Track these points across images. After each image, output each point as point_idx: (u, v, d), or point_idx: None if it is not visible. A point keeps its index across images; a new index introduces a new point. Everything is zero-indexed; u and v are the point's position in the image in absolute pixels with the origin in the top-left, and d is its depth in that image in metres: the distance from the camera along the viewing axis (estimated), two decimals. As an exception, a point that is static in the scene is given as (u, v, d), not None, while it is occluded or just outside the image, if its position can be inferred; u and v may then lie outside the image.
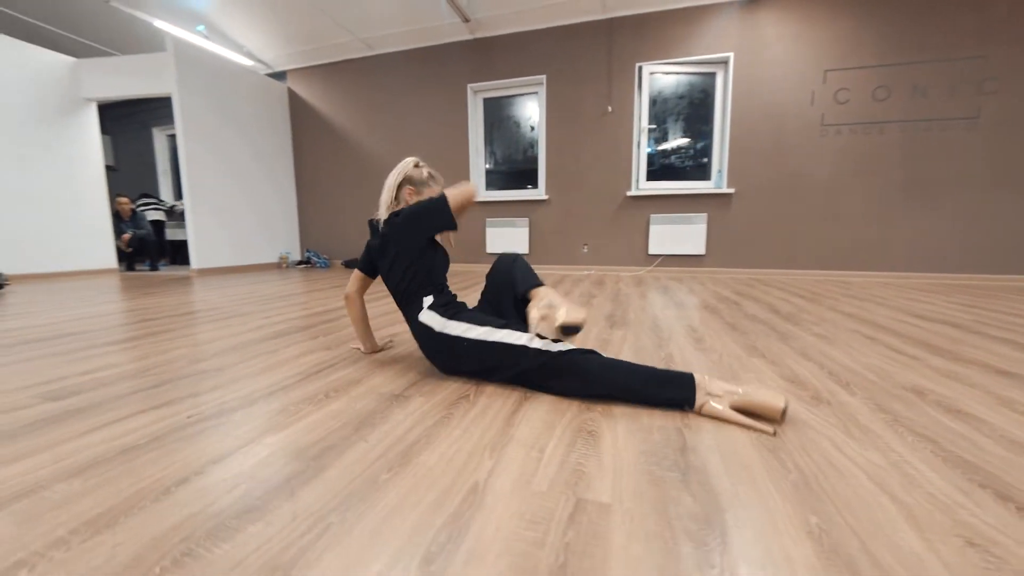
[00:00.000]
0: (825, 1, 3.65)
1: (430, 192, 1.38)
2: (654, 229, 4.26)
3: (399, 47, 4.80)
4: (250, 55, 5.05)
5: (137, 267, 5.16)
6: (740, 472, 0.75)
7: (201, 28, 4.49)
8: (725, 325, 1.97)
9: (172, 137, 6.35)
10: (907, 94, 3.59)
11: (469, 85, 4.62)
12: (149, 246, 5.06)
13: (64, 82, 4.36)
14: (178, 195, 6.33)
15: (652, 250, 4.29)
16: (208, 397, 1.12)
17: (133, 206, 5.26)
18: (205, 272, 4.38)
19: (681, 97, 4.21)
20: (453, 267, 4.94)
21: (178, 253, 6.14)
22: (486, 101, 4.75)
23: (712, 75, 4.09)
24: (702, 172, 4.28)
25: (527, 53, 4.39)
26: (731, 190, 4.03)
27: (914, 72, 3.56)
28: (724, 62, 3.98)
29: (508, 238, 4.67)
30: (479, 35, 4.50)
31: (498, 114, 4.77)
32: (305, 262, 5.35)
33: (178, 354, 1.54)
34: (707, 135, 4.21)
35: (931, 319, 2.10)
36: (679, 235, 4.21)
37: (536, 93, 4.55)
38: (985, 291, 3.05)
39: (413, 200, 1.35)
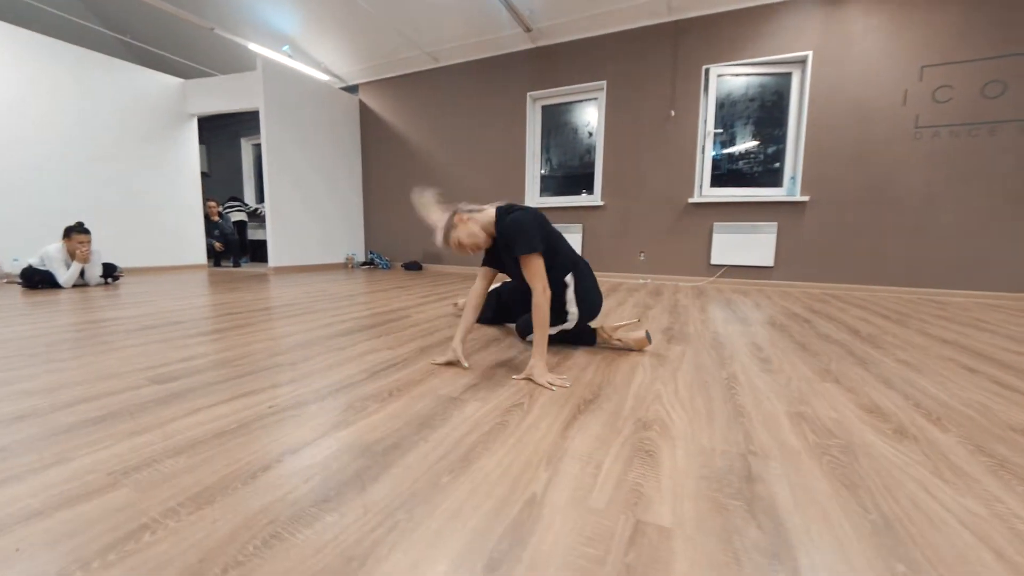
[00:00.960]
0: (924, -10, 3.30)
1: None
2: (717, 238, 4.06)
3: (463, 59, 4.96)
4: (327, 70, 5.46)
5: (223, 263, 5.73)
6: (811, 507, 0.71)
7: (286, 48, 4.93)
8: (795, 344, 1.85)
9: (257, 146, 7.00)
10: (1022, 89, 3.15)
11: (529, 93, 4.68)
12: (232, 245, 5.61)
13: (173, 100, 4.97)
14: (260, 198, 6.96)
15: (715, 260, 4.09)
16: (285, 389, 1.23)
17: (220, 208, 5.85)
18: (280, 270, 4.79)
19: (752, 99, 3.99)
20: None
21: (258, 251, 6.75)
22: (544, 108, 4.79)
23: (787, 75, 3.83)
24: (773, 178, 4.02)
25: (588, 59, 4.37)
26: (805, 198, 3.75)
27: (1036, 64, 3.11)
28: (801, 61, 3.72)
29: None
30: (540, 44, 4.55)
31: (556, 120, 4.78)
32: (368, 263, 5.68)
33: (259, 347, 1.69)
34: (780, 139, 3.94)
35: (1052, 350, 1.83)
36: (745, 244, 3.98)
37: (596, 99, 4.51)
38: (1126, 319, 2.58)
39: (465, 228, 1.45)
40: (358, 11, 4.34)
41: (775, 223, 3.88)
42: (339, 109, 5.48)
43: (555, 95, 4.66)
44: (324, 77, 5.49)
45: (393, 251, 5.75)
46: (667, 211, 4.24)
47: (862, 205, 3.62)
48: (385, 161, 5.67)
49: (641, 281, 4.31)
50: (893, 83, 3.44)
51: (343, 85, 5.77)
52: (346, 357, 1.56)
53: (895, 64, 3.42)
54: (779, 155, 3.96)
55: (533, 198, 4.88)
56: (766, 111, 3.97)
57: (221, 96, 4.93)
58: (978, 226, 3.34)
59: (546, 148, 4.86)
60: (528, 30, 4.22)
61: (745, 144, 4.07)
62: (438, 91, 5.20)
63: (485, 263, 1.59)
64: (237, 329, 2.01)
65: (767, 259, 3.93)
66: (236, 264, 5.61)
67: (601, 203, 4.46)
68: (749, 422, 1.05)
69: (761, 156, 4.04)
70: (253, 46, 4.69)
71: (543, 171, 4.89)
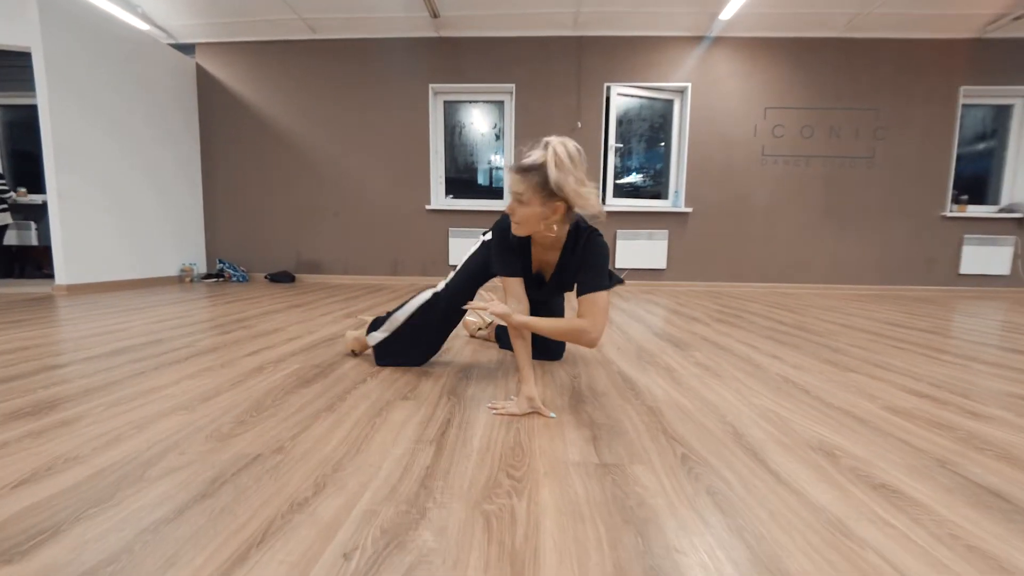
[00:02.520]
0: (767, 46, 4.14)
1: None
2: (620, 244, 4.33)
3: (349, 35, 4.26)
4: (146, 18, 4.05)
5: (-51, 281, 3.69)
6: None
7: (78, -29, 3.46)
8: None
9: (13, 108, 4.81)
10: (826, 134, 4.21)
11: (431, 85, 4.28)
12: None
13: None
14: (17, 182, 4.76)
15: (619, 264, 4.35)
16: None
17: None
18: (77, 289, 3.28)
19: (644, 119, 4.41)
20: (414, 280, 4.45)
21: (21, 261, 4.62)
22: (447, 104, 4.45)
23: (671, 102, 4.35)
24: (661, 192, 4.50)
25: (496, 59, 4.22)
26: (689, 209, 4.29)
27: (830, 116, 4.20)
28: (682, 91, 4.27)
29: (470, 248, 4.35)
30: (444, 34, 4.21)
31: (459, 118, 4.49)
32: (217, 275, 4.37)
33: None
34: (665, 158, 4.45)
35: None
36: (644, 250, 4.34)
37: (503, 101, 4.38)
38: (891, 299, 3.63)
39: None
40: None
41: (666, 231, 4.34)
42: (166, 72, 4.12)
43: (460, 91, 4.38)
44: (143, 26, 4.06)
45: (250, 259, 4.57)
46: (576, 218, 4.35)
47: (728, 216, 4.32)
48: (236, 144, 4.48)
49: (556, 286, 4.31)
50: (746, 118, 4.22)
51: (172, 41, 4.38)
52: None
53: (748, 103, 4.20)
54: (665, 171, 4.46)
55: (438, 199, 4.47)
56: (654, 132, 4.44)
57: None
58: (804, 235, 4.31)
59: (450, 147, 4.52)
60: (435, 16, 3.85)
61: (639, 160, 4.48)
62: (315, 68, 4.36)
63: (515, 273, 1.17)
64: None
65: (661, 263, 4.36)
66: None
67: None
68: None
69: (652, 171, 4.50)
70: (17, -45, 3.14)
71: (447, 172, 4.53)
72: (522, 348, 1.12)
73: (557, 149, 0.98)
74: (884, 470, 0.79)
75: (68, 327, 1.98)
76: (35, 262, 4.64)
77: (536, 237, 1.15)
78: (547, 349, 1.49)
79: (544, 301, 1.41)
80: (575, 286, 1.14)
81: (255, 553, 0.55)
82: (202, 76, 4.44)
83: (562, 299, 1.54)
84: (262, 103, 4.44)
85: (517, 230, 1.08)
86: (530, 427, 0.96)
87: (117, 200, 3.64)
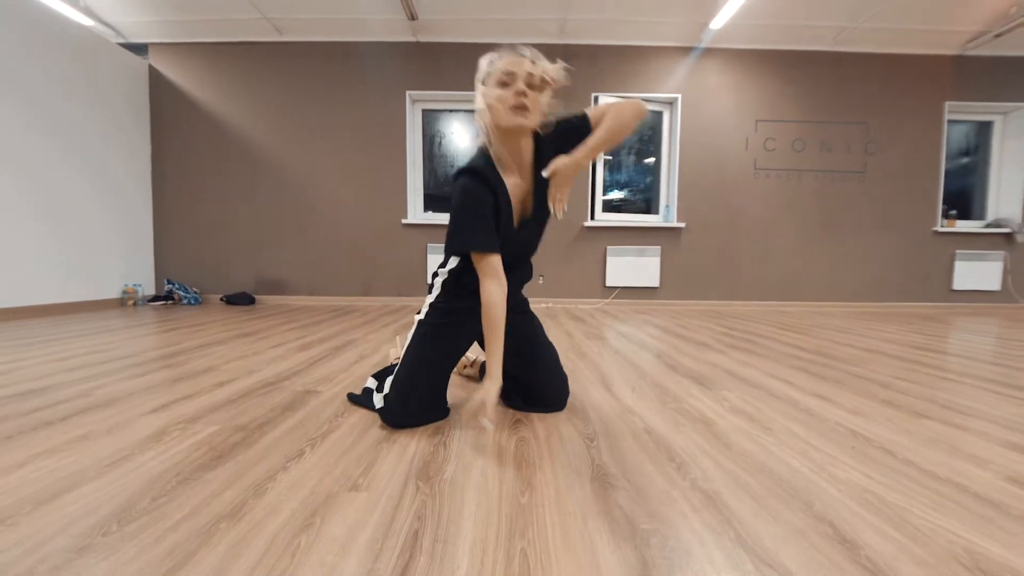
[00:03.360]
0: (757, 58, 4.04)
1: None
2: (611, 260, 4.09)
3: (320, 37, 3.97)
4: (91, 13, 3.66)
5: None
6: None
7: (7, -43, 3.07)
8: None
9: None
10: (817, 148, 4.11)
11: (408, 92, 4.00)
12: None
13: None
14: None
15: (610, 282, 4.10)
16: None
17: None
18: (-12, 314, 2.79)
19: (633, 132, 4.22)
20: (388, 301, 4.08)
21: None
22: (426, 112, 4.17)
23: (660, 114, 4.19)
24: (652, 206, 4.30)
25: (477, 66, 3.97)
26: (681, 224, 4.09)
27: (822, 130, 4.10)
28: (672, 103, 4.11)
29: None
30: (423, 38, 3.96)
31: (439, 128, 4.21)
32: (165, 297, 3.89)
33: None
34: (655, 171, 4.26)
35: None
36: (635, 267, 4.10)
37: (486, 110, 4.13)
38: (891, 317, 3.46)
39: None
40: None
41: (659, 247, 4.12)
42: (115, 75, 3.72)
43: (439, 99, 4.11)
44: (86, 22, 3.67)
45: (204, 280, 4.11)
46: (564, 234, 4.11)
47: (722, 232, 4.14)
48: (193, 156, 4.08)
49: (544, 306, 4.01)
50: (738, 131, 4.08)
51: (121, 41, 3.99)
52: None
53: (739, 115, 4.07)
54: (656, 185, 4.27)
55: (416, 212, 4.15)
56: (644, 144, 4.26)
57: None
58: (798, 250, 4.16)
59: (429, 158, 4.23)
60: (413, 18, 3.60)
61: (629, 174, 4.28)
62: (282, 73, 4.03)
63: (495, 248, 0.98)
64: None
65: (654, 280, 4.13)
66: None
67: (498, 222, 4.05)
68: None
69: (642, 185, 4.30)
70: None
71: (427, 183, 4.22)
72: (494, 341, 0.95)
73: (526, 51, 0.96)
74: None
75: (-65, 369, 1.55)
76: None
77: (517, 151, 1.00)
78: (544, 398, 1.16)
79: (522, 254, 1.13)
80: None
81: None
82: (155, 79, 4.05)
83: (530, 265, 1.23)
84: (222, 109, 4.07)
85: (527, 119, 0.94)
86: (543, 540, 0.63)
87: (51, 210, 3.19)
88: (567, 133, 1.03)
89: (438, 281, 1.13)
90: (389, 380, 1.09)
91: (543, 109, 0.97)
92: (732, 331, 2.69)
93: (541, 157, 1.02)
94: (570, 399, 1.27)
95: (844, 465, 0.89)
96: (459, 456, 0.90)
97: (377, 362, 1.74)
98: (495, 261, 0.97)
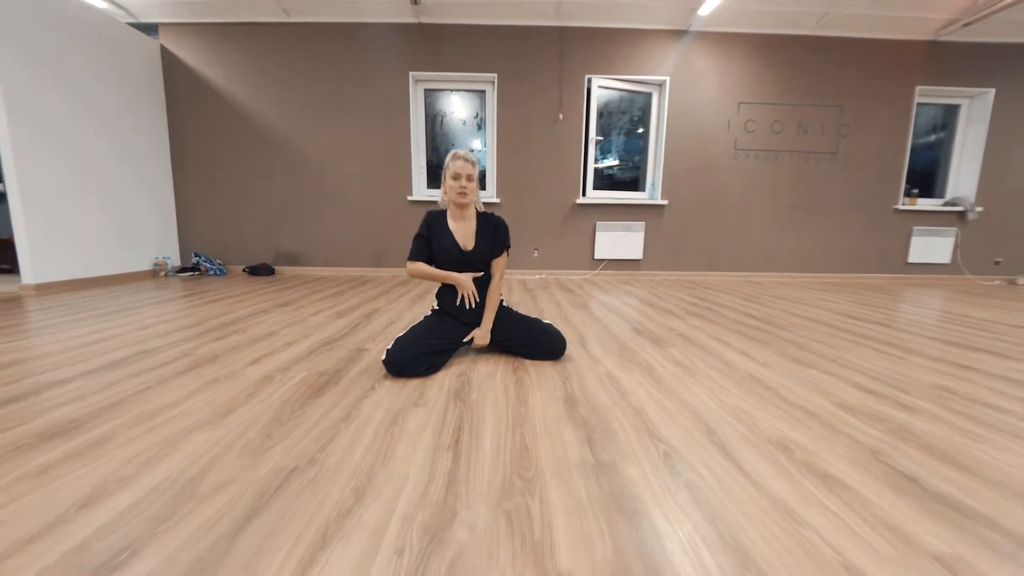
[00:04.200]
0: (742, 42, 4.26)
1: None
2: (600, 236, 4.47)
3: (325, 18, 4.13)
4: (103, -6, 3.80)
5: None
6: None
7: (26, -56, 3.20)
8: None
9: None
10: (794, 130, 4.42)
11: (411, 73, 4.22)
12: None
13: None
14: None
15: (598, 255, 4.51)
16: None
17: None
18: (47, 288, 3.17)
19: (623, 112, 4.50)
20: (397, 272, 4.48)
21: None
22: (428, 92, 4.40)
23: (649, 95, 4.45)
24: (638, 184, 4.64)
25: (477, 48, 4.19)
26: (665, 202, 4.45)
27: (799, 112, 4.40)
28: (661, 84, 4.36)
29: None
30: (424, 20, 4.13)
31: (441, 108, 4.46)
32: (193, 268, 4.27)
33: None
34: (643, 150, 4.57)
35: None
36: (621, 241, 4.50)
37: (485, 91, 4.38)
38: (847, 287, 3.93)
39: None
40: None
41: (643, 223, 4.50)
42: (131, 55, 3.90)
43: (441, 80, 4.34)
44: (101, 4, 3.81)
45: (226, 251, 4.48)
46: (557, 211, 4.46)
47: (703, 209, 4.52)
48: (207, 131, 4.33)
49: (537, 277, 4.44)
50: (721, 113, 4.37)
51: (132, 21, 4.13)
52: (363, 418, 1.12)
53: (723, 98, 4.35)
54: (643, 163, 4.59)
55: (420, 189, 4.47)
56: (633, 125, 4.54)
57: None
58: (772, 227, 4.56)
59: (431, 136, 4.50)
60: (416, 2, 3.77)
61: (618, 153, 4.59)
62: (290, 52, 4.22)
63: (414, 259, 1.66)
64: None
65: (638, 253, 4.54)
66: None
67: (497, 200, 4.39)
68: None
69: (630, 164, 4.62)
70: (-43, -75, 2.89)
71: (430, 161, 4.52)
72: (433, 274, 1.66)
73: (471, 156, 1.61)
74: (829, 462, 0.96)
75: (51, 336, 1.97)
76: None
77: (462, 213, 1.66)
78: (552, 351, 1.65)
79: (472, 268, 1.68)
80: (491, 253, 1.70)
81: (321, 556, 0.66)
82: (167, 59, 4.23)
83: (488, 276, 1.74)
84: (234, 88, 4.28)
85: (467, 199, 1.60)
86: (532, 431, 1.08)
87: (92, 188, 3.51)
88: (493, 228, 1.69)
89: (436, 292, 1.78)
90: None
91: (475, 188, 1.62)
92: (699, 301, 3.14)
93: (481, 221, 1.69)
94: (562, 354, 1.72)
95: (734, 396, 1.34)
96: (478, 387, 1.36)
97: (405, 326, 2.17)
98: (413, 266, 1.65)
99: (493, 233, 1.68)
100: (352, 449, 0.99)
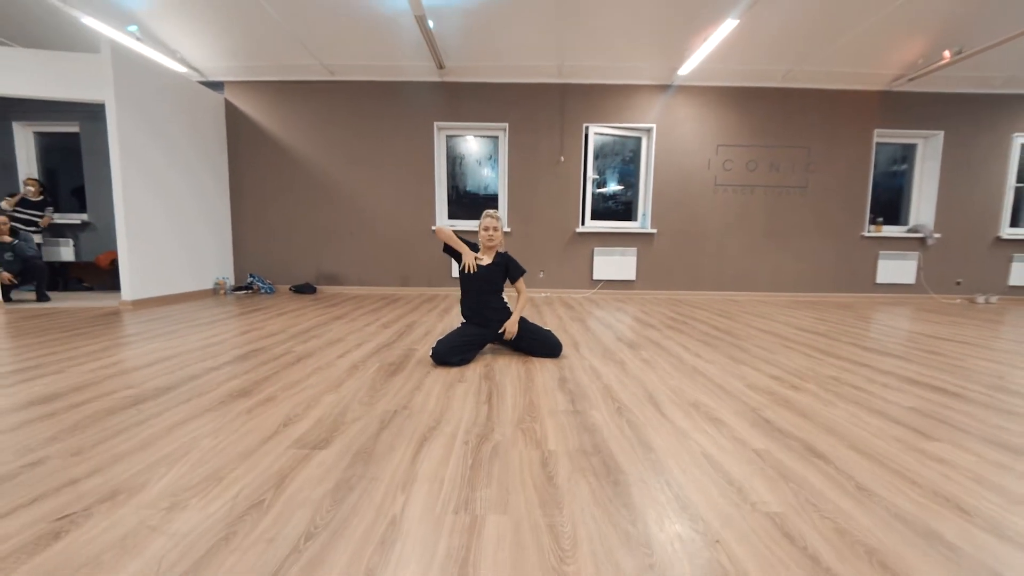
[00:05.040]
0: (718, 94, 4.96)
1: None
2: (597, 259, 5.11)
3: (365, 77, 4.91)
4: (183, 61, 4.62)
5: (13, 296, 4.21)
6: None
7: (134, 28, 4.03)
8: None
9: (43, 135, 5.29)
10: (767, 168, 5.07)
11: (436, 123, 4.96)
12: (36, 271, 4.19)
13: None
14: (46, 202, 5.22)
15: (596, 276, 5.13)
16: (432, 419, 1.42)
17: (11, 215, 4.30)
18: (142, 304, 3.87)
19: (616, 154, 5.19)
20: (422, 291, 5.14)
21: (63, 276, 5.14)
22: (449, 138, 5.14)
23: (639, 139, 5.14)
24: (630, 215, 5.29)
25: (492, 102, 4.93)
26: (654, 230, 5.09)
27: (771, 153, 5.05)
28: (648, 130, 5.06)
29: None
30: (447, 79, 4.90)
31: (460, 150, 5.18)
32: (246, 287, 4.97)
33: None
34: (635, 186, 5.24)
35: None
36: (616, 264, 5.12)
37: (498, 136, 5.10)
38: (817, 305, 4.49)
39: None
40: (241, 5, 3.88)
41: (635, 248, 5.13)
42: (202, 107, 4.69)
43: (461, 128, 5.07)
44: (181, 68, 4.63)
45: (272, 272, 5.18)
46: (560, 237, 5.12)
47: (687, 236, 5.14)
48: (261, 170, 5.09)
49: (543, 295, 5.06)
50: (701, 154, 5.04)
51: (203, 80, 4.94)
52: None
53: (702, 141, 5.02)
54: (635, 198, 5.25)
55: (442, 219, 5.16)
56: (625, 164, 5.23)
57: (43, 77, 3.72)
58: (749, 251, 5.17)
59: (452, 175, 5.22)
60: (441, 67, 4.54)
61: (613, 188, 5.26)
62: (333, 105, 5.00)
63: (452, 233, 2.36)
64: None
65: (631, 275, 5.16)
66: (42, 297, 4.18)
67: (508, 229, 5.06)
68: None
69: (623, 197, 5.28)
70: (89, 20, 3.70)
71: (450, 195, 5.22)
72: (451, 239, 2.36)
73: (497, 215, 2.35)
74: (722, 413, 1.55)
75: (178, 340, 2.62)
76: (74, 277, 5.17)
77: (488, 253, 2.38)
78: (552, 352, 2.25)
79: (494, 292, 2.35)
80: (508, 280, 2.41)
81: (423, 449, 1.27)
82: (230, 110, 5.03)
83: (502, 299, 2.40)
84: (284, 134, 5.05)
85: (493, 244, 2.35)
86: (536, 395, 1.69)
87: (172, 219, 4.24)
88: (508, 264, 2.38)
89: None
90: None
91: (500, 238, 2.35)
92: (679, 316, 3.74)
93: (497, 257, 2.37)
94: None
95: (675, 379, 1.94)
96: (500, 371, 1.97)
97: (440, 332, 2.80)
98: (444, 228, 2.35)
99: (505, 264, 2.37)
100: (427, 401, 1.60)
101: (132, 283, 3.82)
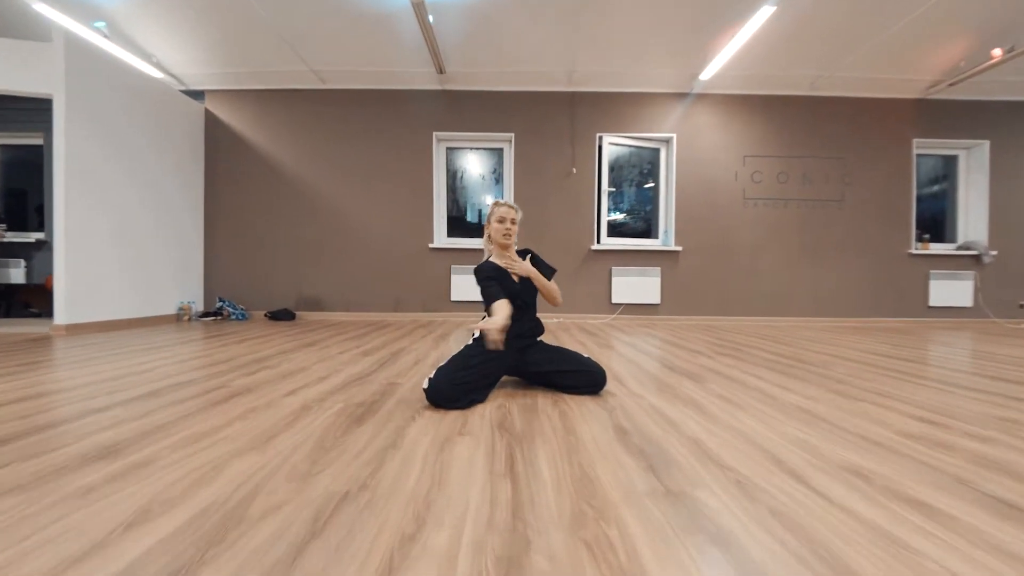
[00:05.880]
0: (742, 102, 4.56)
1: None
2: (616, 280, 4.51)
3: (358, 85, 4.51)
4: (160, 66, 4.21)
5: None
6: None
7: (101, 24, 3.62)
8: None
9: (5, 148, 4.81)
10: (799, 180, 4.59)
11: (435, 133, 4.51)
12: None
13: None
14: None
15: (615, 299, 4.51)
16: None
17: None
18: (77, 329, 3.22)
19: (633, 166, 4.72)
20: (416, 316, 4.50)
21: (7, 299, 4.51)
22: (449, 150, 4.68)
23: (657, 150, 4.69)
24: (650, 232, 4.75)
25: (496, 111, 4.51)
26: (679, 248, 4.53)
27: (802, 164, 4.59)
28: (667, 140, 4.62)
29: (472, 285, 4.45)
30: (448, 87, 4.49)
31: (460, 164, 4.71)
32: (216, 313, 4.32)
33: (236, 449, 1.03)
34: (654, 200, 4.74)
35: None
36: (638, 286, 4.52)
37: (502, 148, 4.64)
38: (869, 331, 3.85)
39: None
40: (226, 6, 3.50)
41: (658, 267, 4.55)
42: (177, 116, 4.24)
43: (462, 139, 4.62)
44: (156, 74, 4.21)
45: (248, 296, 4.55)
46: (574, 256, 4.55)
47: (716, 254, 4.58)
48: (241, 185, 4.57)
49: (556, 321, 4.42)
50: (728, 165, 4.57)
51: (182, 88, 4.53)
52: (412, 443, 1.08)
53: (728, 151, 4.57)
54: (655, 212, 4.74)
55: (440, 237, 4.61)
56: (643, 177, 4.75)
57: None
58: (785, 270, 4.59)
59: (452, 190, 4.72)
60: (442, 72, 4.13)
61: (630, 203, 4.76)
62: (322, 115, 4.56)
63: (499, 297, 1.62)
64: (135, 425, 1.20)
65: (655, 298, 4.55)
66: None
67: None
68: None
69: (642, 213, 4.77)
70: (41, 6, 3.29)
71: (449, 212, 4.70)
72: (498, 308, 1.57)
73: (513, 204, 1.77)
74: (913, 488, 0.90)
75: (86, 369, 1.96)
76: (21, 301, 4.52)
77: (506, 254, 1.76)
78: (594, 382, 1.60)
79: (530, 304, 1.78)
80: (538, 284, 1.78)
81: (394, 577, 0.61)
82: (210, 120, 4.58)
83: (538, 320, 1.83)
84: (268, 146, 4.58)
85: (511, 240, 1.73)
86: (589, 459, 1.03)
87: (124, 237, 3.65)
88: (536, 263, 1.80)
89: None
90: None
91: (516, 231, 1.75)
92: (723, 342, 3.09)
93: (521, 253, 1.82)
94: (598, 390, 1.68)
95: (787, 426, 1.29)
96: (521, 418, 1.31)
97: (433, 362, 2.15)
98: (496, 305, 1.57)
99: (534, 262, 1.80)
100: (404, 475, 0.94)
101: (68, 306, 3.18)
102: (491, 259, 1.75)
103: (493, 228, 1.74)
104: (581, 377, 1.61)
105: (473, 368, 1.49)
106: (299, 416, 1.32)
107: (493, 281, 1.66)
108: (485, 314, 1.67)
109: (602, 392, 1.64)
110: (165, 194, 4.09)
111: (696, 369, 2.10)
